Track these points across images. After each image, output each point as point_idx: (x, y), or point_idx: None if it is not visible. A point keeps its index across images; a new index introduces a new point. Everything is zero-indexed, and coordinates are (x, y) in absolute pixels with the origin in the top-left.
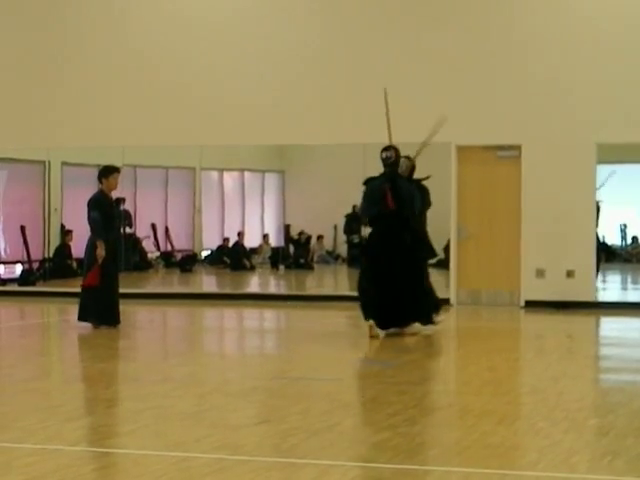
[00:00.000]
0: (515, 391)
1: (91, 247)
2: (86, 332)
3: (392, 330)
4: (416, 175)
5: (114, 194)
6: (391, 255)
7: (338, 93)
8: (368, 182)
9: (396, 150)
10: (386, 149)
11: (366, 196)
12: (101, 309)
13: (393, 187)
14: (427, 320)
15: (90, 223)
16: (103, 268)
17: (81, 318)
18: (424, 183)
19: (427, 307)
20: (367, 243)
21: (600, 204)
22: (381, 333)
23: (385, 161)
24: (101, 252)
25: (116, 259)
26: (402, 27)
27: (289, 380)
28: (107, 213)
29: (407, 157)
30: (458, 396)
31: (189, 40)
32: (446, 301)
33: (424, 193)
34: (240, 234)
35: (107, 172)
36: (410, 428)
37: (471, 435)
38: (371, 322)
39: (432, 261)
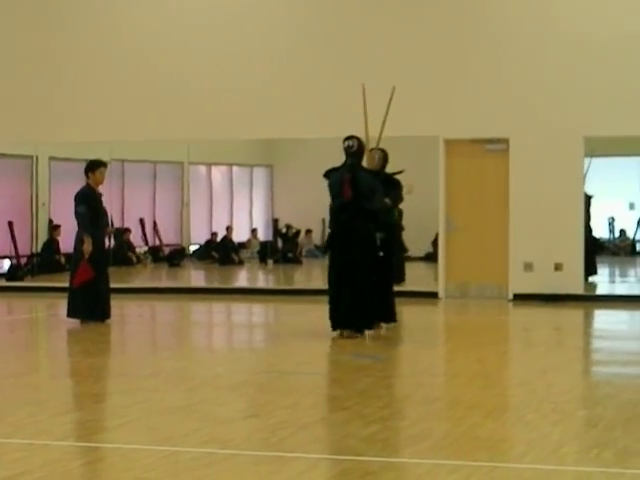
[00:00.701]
0: (504, 383)
1: (78, 242)
2: (75, 327)
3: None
4: (390, 169)
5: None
6: (351, 249)
7: (326, 88)
8: (329, 174)
9: (359, 140)
10: (348, 138)
11: (329, 189)
12: (89, 304)
13: (353, 178)
14: (390, 318)
15: (77, 218)
16: (91, 263)
17: (70, 314)
18: (397, 177)
19: (390, 305)
20: (330, 237)
21: (591, 198)
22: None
23: (347, 150)
24: (88, 247)
25: (105, 254)
26: (387, 21)
27: (278, 374)
28: (94, 208)
29: (379, 149)
30: (447, 389)
31: (177, 36)
32: (434, 294)
33: (396, 187)
34: (229, 229)
35: (93, 166)
36: (399, 421)
37: (460, 427)
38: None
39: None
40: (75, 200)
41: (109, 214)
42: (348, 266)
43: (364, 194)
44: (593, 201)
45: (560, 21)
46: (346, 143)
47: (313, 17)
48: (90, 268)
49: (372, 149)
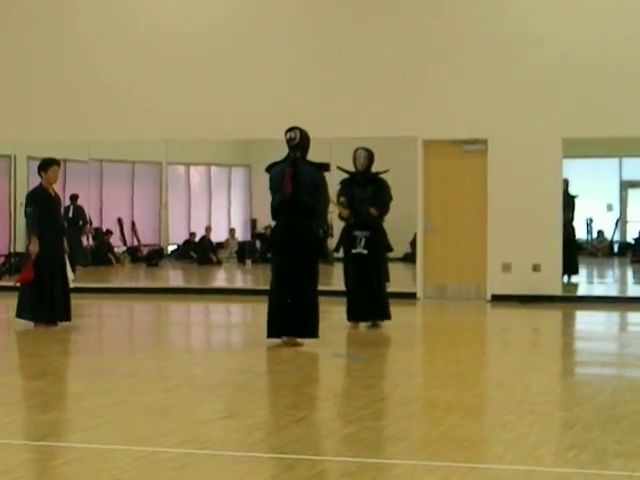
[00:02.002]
0: (481, 384)
1: (28, 243)
2: (53, 327)
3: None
4: (376, 168)
5: (78, 189)
6: (293, 250)
7: (304, 88)
8: (270, 168)
9: (302, 131)
10: (290, 130)
11: (270, 183)
12: (34, 306)
13: (294, 172)
14: (386, 315)
15: (25, 218)
16: (38, 264)
17: (18, 315)
18: (383, 177)
19: (385, 303)
20: (270, 238)
21: (575, 198)
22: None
23: (289, 142)
24: (34, 248)
25: (58, 255)
26: (366, 23)
27: (256, 374)
28: (45, 208)
29: (364, 148)
30: (425, 390)
31: (155, 37)
32: (413, 295)
33: (383, 187)
34: (207, 229)
35: (46, 165)
36: (377, 422)
37: (437, 429)
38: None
39: (398, 255)
40: (25, 200)
41: (87, 214)
42: (292, 269)
43: (306, 189)
44: (577, 201)
45: (538, 23)
46: (288, 135)
47: (291, 20)
48: (32, 270)
49: (358, 149)
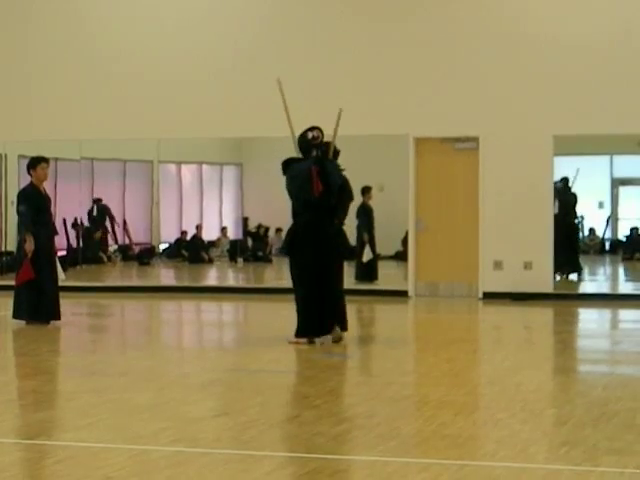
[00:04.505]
0: (473, 382)
1: (22, 241)
2: (43, 326)
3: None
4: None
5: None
6: (318, 251)
7: (295, 86)
8: (290, 163)
9: (321, 131)
10: (312, 129)
11: (291, 181)
12: (33, 304)
13: (321, 171)
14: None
15: (18, 217)
16: (34, 262)
17: (15, 315)
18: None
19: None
20: (291, 238)
21: (576, 197)
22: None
23: (312, 141)
24: (30, 246)
25: (50, 253)
26: (358, 22)
27: (248, 372)
28: (37, 206)
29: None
30: (417, 387)
31: (146, 35)
32: (404, 293)
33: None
34: (198, 227)
35: (34, 163)
36: (369, 420)
37: (430, 426)
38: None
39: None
40: (17, 199)
41: (79, 215)
42: (319, 268)
43: (332, 189)
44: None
45: (530, 21)
46: (310, 134)
47: (283, 16)
48: (31, 268)
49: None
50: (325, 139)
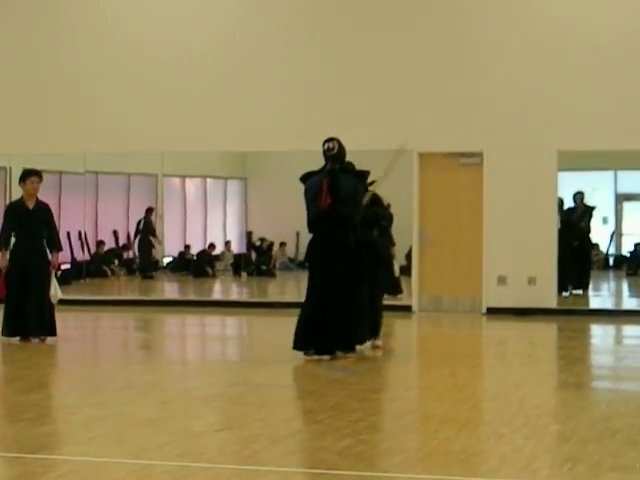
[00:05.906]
0: (477, 397)
1: None
2: (46, 339)
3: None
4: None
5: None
6: (332, 263)
7: (300, 100)
8: (307, 178)
9: (339, 142)
10: (328, 140)
11: (305, 194)
12: (5, 319)
13: (332, 183)
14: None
15: None
16: (7, 278)
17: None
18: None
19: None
20: (308, 251)
21: (593, 209)
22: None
23: (326, 153)
24: (2, 262)
25: (31, 267)
26: (362, 36)
27: (251, 387)
28: (17, 220)
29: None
30: (420, 402)
31: (151, 49)
32: (408, 308)
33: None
34: (211, 246)
35: (24, 177)
36: (373, 435)
37: (433, 441)
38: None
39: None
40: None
41: (83, 228)
42: (331, 283)
43: (344, 200)
44: (595, 213)
45: (535, 37)
46: (326, 145)
47: (288, 31)
48: (2, 285)
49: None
50: (365, 167)
